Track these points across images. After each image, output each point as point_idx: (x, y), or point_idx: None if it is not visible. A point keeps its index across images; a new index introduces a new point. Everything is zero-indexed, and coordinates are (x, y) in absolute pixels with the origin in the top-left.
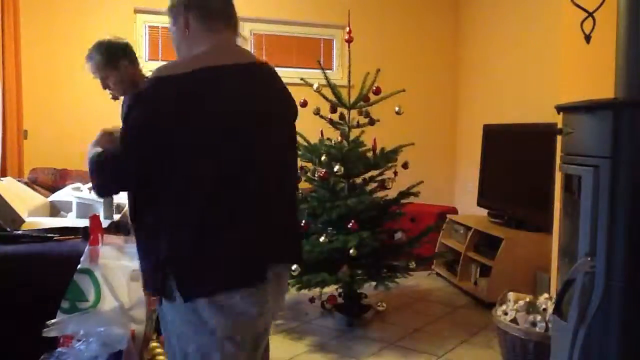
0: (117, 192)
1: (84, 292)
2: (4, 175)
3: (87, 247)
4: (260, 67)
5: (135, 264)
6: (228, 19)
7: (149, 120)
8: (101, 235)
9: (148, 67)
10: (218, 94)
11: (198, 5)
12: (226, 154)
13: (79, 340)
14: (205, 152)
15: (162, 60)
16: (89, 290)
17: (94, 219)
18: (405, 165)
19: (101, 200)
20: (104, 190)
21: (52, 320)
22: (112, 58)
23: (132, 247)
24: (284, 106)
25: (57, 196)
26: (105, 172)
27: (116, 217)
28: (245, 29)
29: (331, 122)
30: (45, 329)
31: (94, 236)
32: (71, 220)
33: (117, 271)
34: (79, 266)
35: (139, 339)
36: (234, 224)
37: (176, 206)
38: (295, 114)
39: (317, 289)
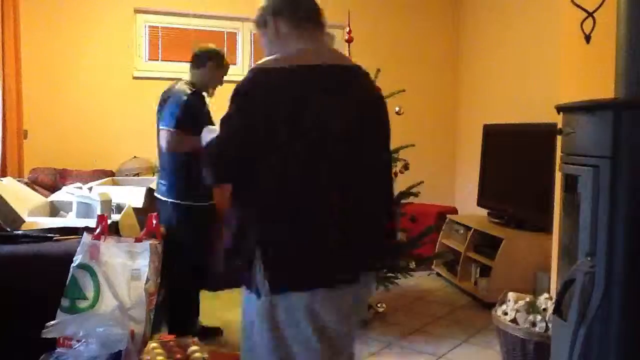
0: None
1: (82, 289)
2: (4, 175)
3: (88, 242)
4: (353, 70)
5: (135, 264)
6: (318, 22)
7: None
8: (105, 233)
9: (148, 67)
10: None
11: (288, 10)
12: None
13: (78, 341)
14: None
15: (162, 60)
16: (88, 288)
17: (101, 216)
18: (406, 167)
19: (98, 199)
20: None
21: (52, 322)
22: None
23: (132, 246)
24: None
25: (57, 196)
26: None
27: (115, 217)
28: (245, 29)
29: None
30: (45, 330)
31: (102, 229)
32: (71, 220)
33: (117, 270)
34: (77, 261)
35: (138, 339)
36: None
37: None
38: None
39: None
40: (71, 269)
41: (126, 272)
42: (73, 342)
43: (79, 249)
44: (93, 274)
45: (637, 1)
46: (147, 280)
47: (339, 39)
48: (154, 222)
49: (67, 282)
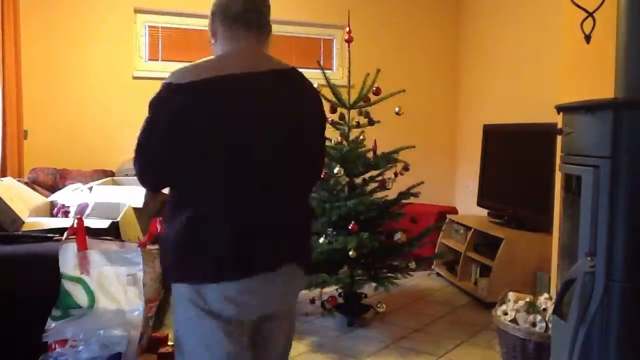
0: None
1: (76, 300)
2: (4, 175)
3: (75, 253)
4: (278, 73)
5: (128, 269)
6: (248, 25)
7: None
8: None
9: (148, 67)
10: (214, 106)
11: (221, 11)
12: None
13: (73, 346)
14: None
15: (162, 60)
16: (82, 299)
17: (79, 221)
18: (406, 168)
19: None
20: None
21: (52, 325)
22: None
23: (127, 252)
24: (291, 108)
25: (57, 196)
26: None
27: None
28: None
29: (331, 122)
30: (44, 334)
31: (81, 240)
32: (71, 220)
33: (111, 277)
34: (68, 273)
35: (135, 344)
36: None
37: None
38: (313, 116)
39: (317, 290)
40: (62, 282)
41: (121, 278)
42: (68, 344)
43: (67, 262)
44: (84, 285)
45: (637, 1)
46: (144, 285)
47: (339, 38)
48: (158, 227)
49: (59, 294)
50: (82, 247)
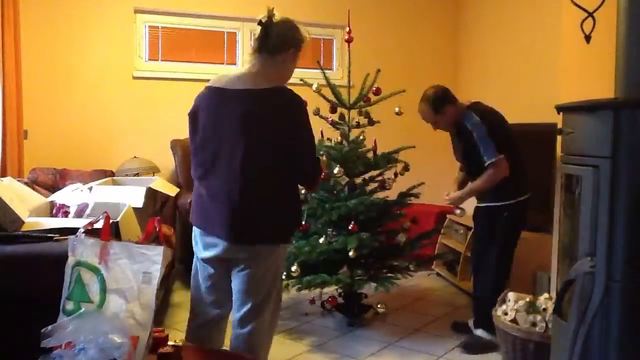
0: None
1: (88, 292)
2: (4, 175)
3: (96, 242)
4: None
5: (146, 267)
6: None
7: None
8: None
9: (148, 67)
10: None
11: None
12: None
13: (76, 342)
14: None
15: (162, 60)
16: (94, 291)
17: (107, 217)
18: (406, 168)
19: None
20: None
21: (50, 327)
22: (438, 107)
23: (148, 249)
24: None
25: (57, 196)
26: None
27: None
28: (245, 29)
29: (331, 122)
30: (44, 341)
31: (106, 231)
32: (71, 220)
33: (127, 272)
34: (86, 261)
35: (142, 345)
36: None
37: None
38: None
39: (317, 290)
40: (78, 269)
41: (137, 275)
42: (68, 347)
43: (84, 249)
44: (100, 276)
45: (637, 1)
46: (157, 285)
47: (339, 38)
48: (156, 226)
49: (73, 284)
50: (106, 237)
